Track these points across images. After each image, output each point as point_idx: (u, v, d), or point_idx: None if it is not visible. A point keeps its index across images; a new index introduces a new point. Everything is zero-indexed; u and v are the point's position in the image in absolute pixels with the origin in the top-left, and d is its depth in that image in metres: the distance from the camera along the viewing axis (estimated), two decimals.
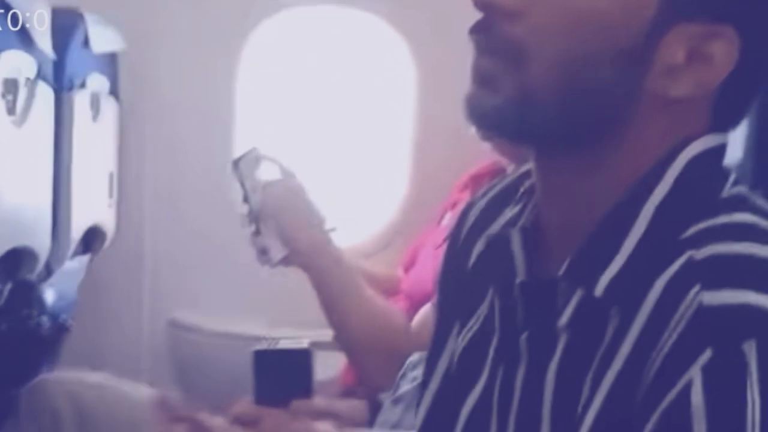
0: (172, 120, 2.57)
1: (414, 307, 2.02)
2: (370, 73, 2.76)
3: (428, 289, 2.04)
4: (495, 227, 0.98)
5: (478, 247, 0.99)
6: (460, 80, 0.91)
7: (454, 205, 2.28)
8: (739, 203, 0.84)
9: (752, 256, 0.77)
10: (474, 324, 0.98)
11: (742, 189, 0.86)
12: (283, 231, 1.94)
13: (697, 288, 0.75)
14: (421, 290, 2.06)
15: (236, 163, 1.99)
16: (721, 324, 0.74)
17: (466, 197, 2.25)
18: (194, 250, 2.22)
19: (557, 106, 0.84)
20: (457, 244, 1.05)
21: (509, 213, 0.97)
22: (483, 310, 0.97)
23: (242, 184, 1.99)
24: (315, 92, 2.78)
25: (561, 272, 0.86)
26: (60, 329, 1.98)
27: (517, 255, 0.92)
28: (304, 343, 2.01)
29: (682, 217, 0.82)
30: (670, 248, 0.80)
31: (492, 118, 0.87)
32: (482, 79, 0.86)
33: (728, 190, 0.85)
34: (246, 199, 1.99)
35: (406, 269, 2.31)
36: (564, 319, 0.85)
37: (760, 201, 0.86)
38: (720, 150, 0.88)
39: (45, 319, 1.95)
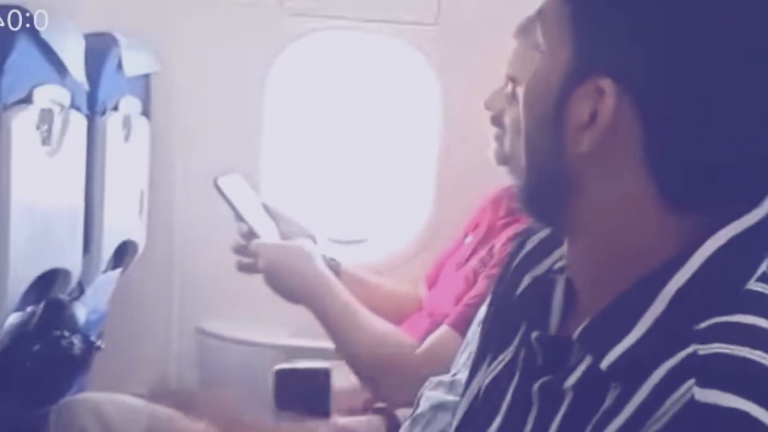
0: (202, 138, 2.61)
1: (436, 325, 2.03)
2: (396, 94, 2.79)
3: (448, 308, 2.07)
4: (545, 264, 1.00)
5: (525, 281, 1.00)
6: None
7: (475, 227, 2.30)
8: (757, 302, 0.82)
9: (754, 362, 0.76)
10: (501, 361, 1.01)
11: (765, 286, 0.84)
12: (281, 291, 2.05)
13: (692, 382, 0.76)
14: (442, 309, 2.08)
15: (215, 183, 2.03)
16: (707, 422, 0.74)
17: (486, 219, 2.27)
18: (222, 262, 2.27)
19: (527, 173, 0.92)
20: (509, 270, 1.06)
21: (558, 255, 0.99)
22: (511, 349, 1.00)
23: (229, 203, 2.04)
24: (343, 113, 2.81)
25: (575, 336, 0.87)
26: (90, 348, 2.01)
27: (556, 302, 0.95)
28: (324, 363, 2.06)
29: (699, 307, 0.82)
30: (681, 337, 0.80)
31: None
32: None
33: (752, 284, 0.84)
34: (239, 218, 2.05)
35: (429, 286, 2.32)
36: (571, 380, 0.87)
37: None
38: (748, 236, 0.85)
39: (76, 339, 1.98)
